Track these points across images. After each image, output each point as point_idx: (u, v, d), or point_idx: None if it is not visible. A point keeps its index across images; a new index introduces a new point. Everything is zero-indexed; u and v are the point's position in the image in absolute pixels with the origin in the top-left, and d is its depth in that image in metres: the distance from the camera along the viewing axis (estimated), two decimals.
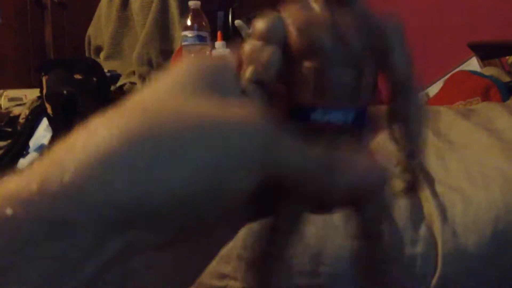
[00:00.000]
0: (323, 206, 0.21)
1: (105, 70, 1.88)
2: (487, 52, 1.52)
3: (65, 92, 1.70)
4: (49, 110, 1.66)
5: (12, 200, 0.16)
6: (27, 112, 2.09)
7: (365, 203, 0.21)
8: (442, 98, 1.38)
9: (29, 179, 0.17)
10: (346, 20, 0.20)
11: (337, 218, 0.64)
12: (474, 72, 1.42)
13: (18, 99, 2.36)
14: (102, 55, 2.14)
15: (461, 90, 1.31)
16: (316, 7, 0.20)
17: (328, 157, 0.20)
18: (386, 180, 0.21)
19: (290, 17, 0.20)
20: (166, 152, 0.17)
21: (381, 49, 0.20)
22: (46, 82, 1.82)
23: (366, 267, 0.22)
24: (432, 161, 0.77)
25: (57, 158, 0.17)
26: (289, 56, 0.20)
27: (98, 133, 0.17)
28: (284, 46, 0.20)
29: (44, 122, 1.78)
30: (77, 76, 1.78)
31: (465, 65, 1.54)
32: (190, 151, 0.17)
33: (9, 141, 1.95)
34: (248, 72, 0.20)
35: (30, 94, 2.37)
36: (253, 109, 0.19)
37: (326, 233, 0.63)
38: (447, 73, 1.53)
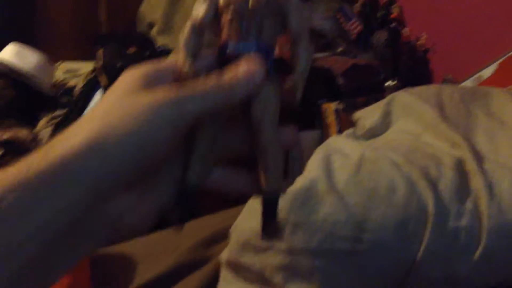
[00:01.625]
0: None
1: (157, 45, 1.93)
2: None
3: (119, 65, 1.76)
4: (105, 82, 1.72)
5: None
6: (82, 83, 2.18)
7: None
8: (496, 81, 1.34)
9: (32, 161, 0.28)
10: None
11: (383, 188, 0.66)
12: None
13: (74, 71, 2.44)
14: (154, 30, 2.19)
15: None
16: None
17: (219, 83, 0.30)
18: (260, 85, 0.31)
19: None
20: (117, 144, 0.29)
21: (282, 13, 0.32)
22: (101, 55, 1.89)
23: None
24: (482, 139, 0.77)
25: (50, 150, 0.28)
26: (218, 15, 0.32)
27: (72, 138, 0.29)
28: (216, 9, 0.32)
29: (98, 94, 1.85)
30: (131, 50, 1.85)
31: None
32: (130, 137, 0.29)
33: (64, 110, 2.05)
34: (190, 20, 0.32)
35: (85, 67, 2.45)
36: (163, 91, 0.30)
37: (371, 202, 0.64)
38: (503, 56, 1.49)
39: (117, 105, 0.30)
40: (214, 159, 0.32)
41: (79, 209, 0.28)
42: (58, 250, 0.28)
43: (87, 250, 0.30)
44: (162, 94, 0.30)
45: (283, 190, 0.32)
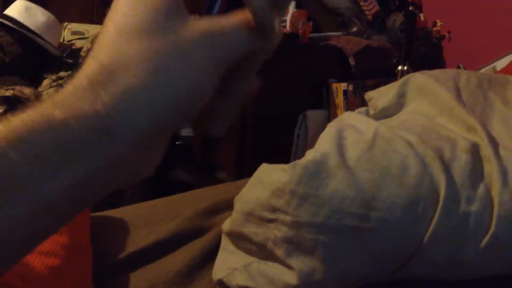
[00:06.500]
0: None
1: None
2: None
3: None
4: None
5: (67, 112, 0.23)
6: (89, 46, 2.15)
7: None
8: (509, 73, 1.32)
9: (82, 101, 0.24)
10: None
11: (396, 167, 0.64)
12: None
13: (81, 33, 2.41)
14: None
15: None
16: None
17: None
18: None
19: None
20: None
21: None
22: None
23: None
24: (498, 127, 0.75)
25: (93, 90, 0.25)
26: None
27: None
28: None
29: None
30: None
31: None
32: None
33: (69, 71, 2.02)
34: None
35: (92, 30, 2.41)
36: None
37: (382, 180, 0.63)
38: None
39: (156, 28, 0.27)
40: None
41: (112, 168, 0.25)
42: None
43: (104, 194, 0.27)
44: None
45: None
